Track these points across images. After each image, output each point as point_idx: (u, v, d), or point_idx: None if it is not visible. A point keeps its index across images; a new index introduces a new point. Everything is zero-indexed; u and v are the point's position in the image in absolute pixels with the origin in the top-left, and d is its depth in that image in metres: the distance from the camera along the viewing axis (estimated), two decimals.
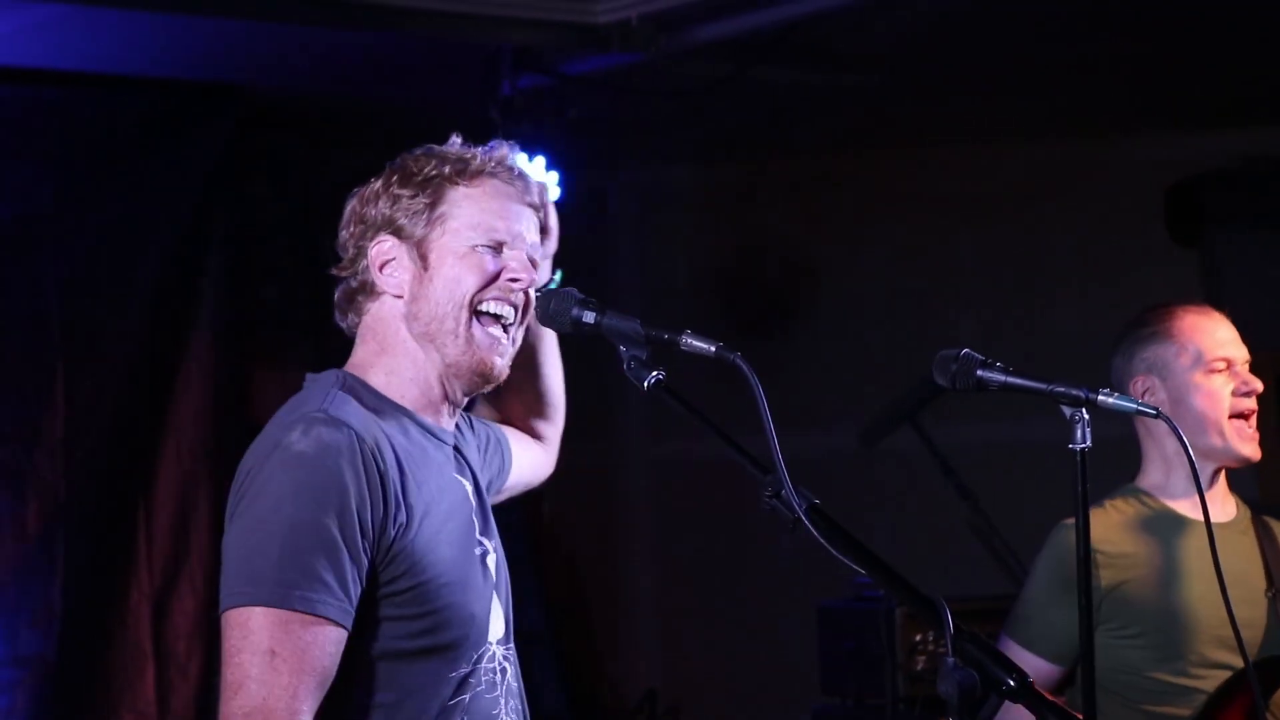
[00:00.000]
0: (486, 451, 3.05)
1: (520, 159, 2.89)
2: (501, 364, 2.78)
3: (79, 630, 6.14)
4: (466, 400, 2.84)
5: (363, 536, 2.58)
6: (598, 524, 8.00)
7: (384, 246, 2.76)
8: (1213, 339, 3.93)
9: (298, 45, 6.09)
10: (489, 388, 2.81)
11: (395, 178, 2.79)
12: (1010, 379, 2.84)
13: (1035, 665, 3.83)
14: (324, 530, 2.55)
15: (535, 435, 3.24)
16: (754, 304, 8.18)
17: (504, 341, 2.78)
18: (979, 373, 2.84)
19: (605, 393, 7.82)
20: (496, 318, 2.77)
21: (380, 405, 2.73)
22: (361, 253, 2.78)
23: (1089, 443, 2.85)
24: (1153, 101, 7.37)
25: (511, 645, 2.82)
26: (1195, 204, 7.81)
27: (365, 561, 2.59)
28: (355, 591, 2.58)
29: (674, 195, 8.21)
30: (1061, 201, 7.95)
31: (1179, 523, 3.91)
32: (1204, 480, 3.90)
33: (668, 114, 7.12)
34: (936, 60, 6.69)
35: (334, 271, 2.84)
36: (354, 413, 2.65)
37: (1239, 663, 3.75)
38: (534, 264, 2.83)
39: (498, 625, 2.78)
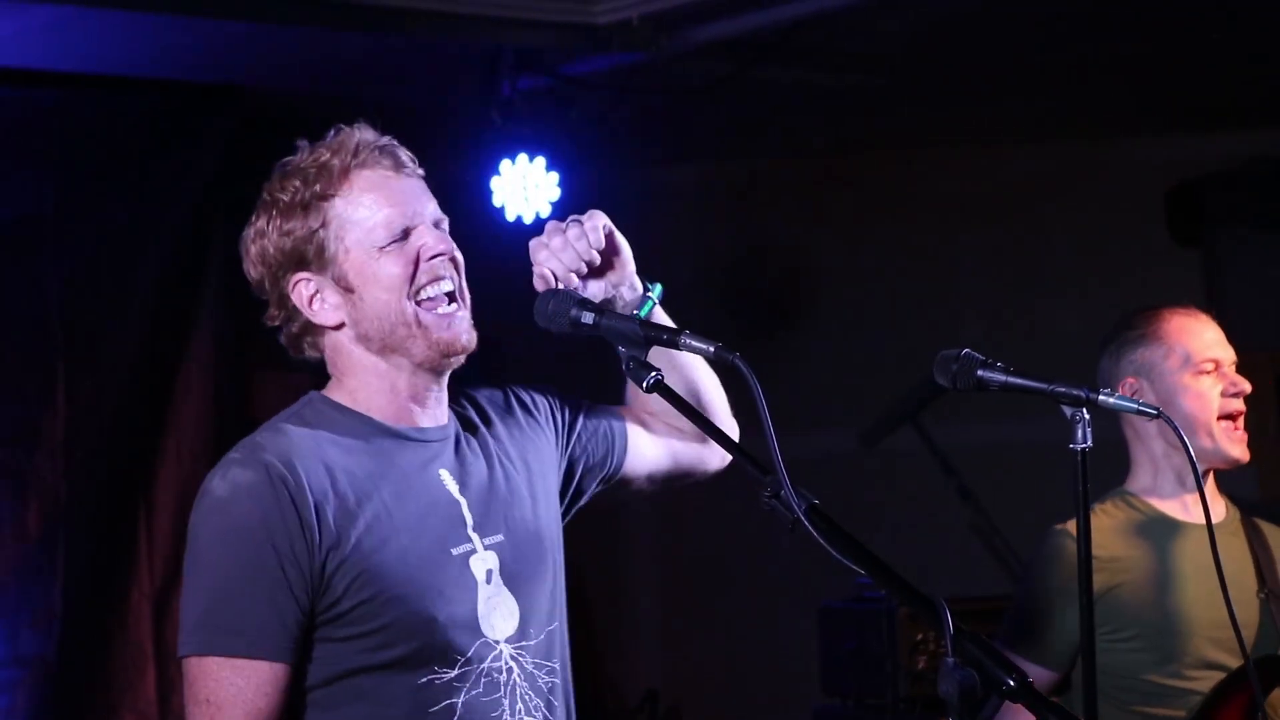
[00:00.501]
0: (580, 437, 3.01)
1: (368, 134, 2.80)
2: (466, 335, 2.75)
3: (79, 631, 6.14)
4: (444, 381, 2.81)
5: (288, 566, 2.59)
6: (598, 524, 7.99)
7: (302, 286, 2.75)
8: (1200, 340, 3.93)
9: (298, 47, 6.08)
10: (461, 360, 2.78)
11: (274, 212, 2.74)
12: (1011, 379, 2.84)
13: (1031, 672, 3.82)
14: (244, 570, 2.58)
15: (688, 434, 3.12)
16: (754, 305, 8.18)
17: (457, 313, 2.76)
18: (979, 372, 2.85)
19: (605, 393, 7.82)
20: (439, 297, 2.75)
21: (340, 419, 2.74)
22: (284, 297, 2.77)
23: (1090, 442, 2.85)
24: (1154, 103, 7.37)
25: (531, 642, 2.76)
26: (1196, 205, 7.81)
27: (298, 590, 2.60)
28: (291, 621, 2.60)
29: (674, 196, 8.20)
30: (1062, 202, 7.95)
31: (1169, 525, 3.91)
32: (1193, 480, 3.89)
33: (668, 114, 7.12)
34: (938, 61, 6.69)
35: (266, 321, 2.82)
36: (281, 442, 2.66)
37: (1233, 663, 3.75)
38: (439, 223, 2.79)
39: (504, 624, 2.73)
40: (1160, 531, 3.89)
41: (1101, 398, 2.83)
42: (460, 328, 2.75)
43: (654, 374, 2.68)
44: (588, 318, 2.71)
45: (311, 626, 2.62)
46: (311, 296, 2.75)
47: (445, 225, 2.79)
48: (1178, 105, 7.38)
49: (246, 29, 5.80)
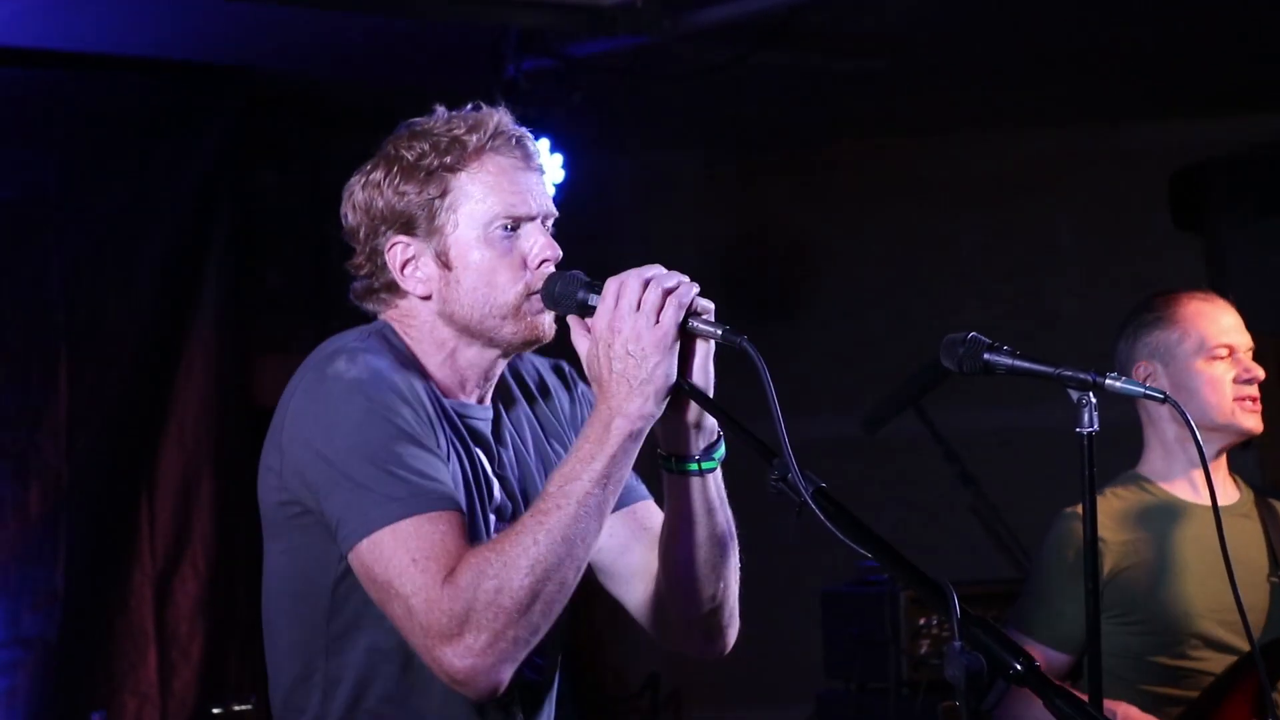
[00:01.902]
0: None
1: (507, 119, 2.79)
2: (550, 328, 2.75)
3: (81, 613, 6.14)
4: (503, 365, 2.80)
5: (436, 433, 2.63)
6: None
7: (400, 248, 2.73)
8: (1216, 325, 3.93)
9: (303, 28, 6.07)
10: (529, 350, 2.79)
11: (396, 169, 2.73)
12: (1017, 362, 2.82)
13: (1044, 655, 3.84)
14: (404, 438, 2.58)
15: (661, 608, 2.90)
16: (756, 289, 8.17)
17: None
18: (986, 356, 2.83)
19: None
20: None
21: (411, 369, 2.72)
22: (376, 252, 2.75)
23: (1096, 427, 2.84)
24: (1157, 88, 7.36)
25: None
26: (1199, 190, 7.80)
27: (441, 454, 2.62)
28: (449, 477, 2.61)
29: (678, 179, 8.20)
30: (1065, 187, 7.94)
31: (1179, 508, 3.92)
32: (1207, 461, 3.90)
33: (672, 97, 7.11)
34: (942, 45, 6.68)
35: (348, 267, 2.80)
36: (386, 353, 2.68)
37: (1241, 644, 3.76)
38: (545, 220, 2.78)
39: None
40: (1170, 515, 3.90)
41: (1108, 382, 2.81)
42: (549, 315, 2.75)
43: None
44: (595, 299, 2.70)
45: None
46: (406, 262, 2.74)
47: (552, 222, 2.78)
48: (1181, 90, 7.37)
49: (251, 10, 5.79)
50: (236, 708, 5.69)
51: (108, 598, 6.24)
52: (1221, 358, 3.90)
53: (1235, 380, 3.89)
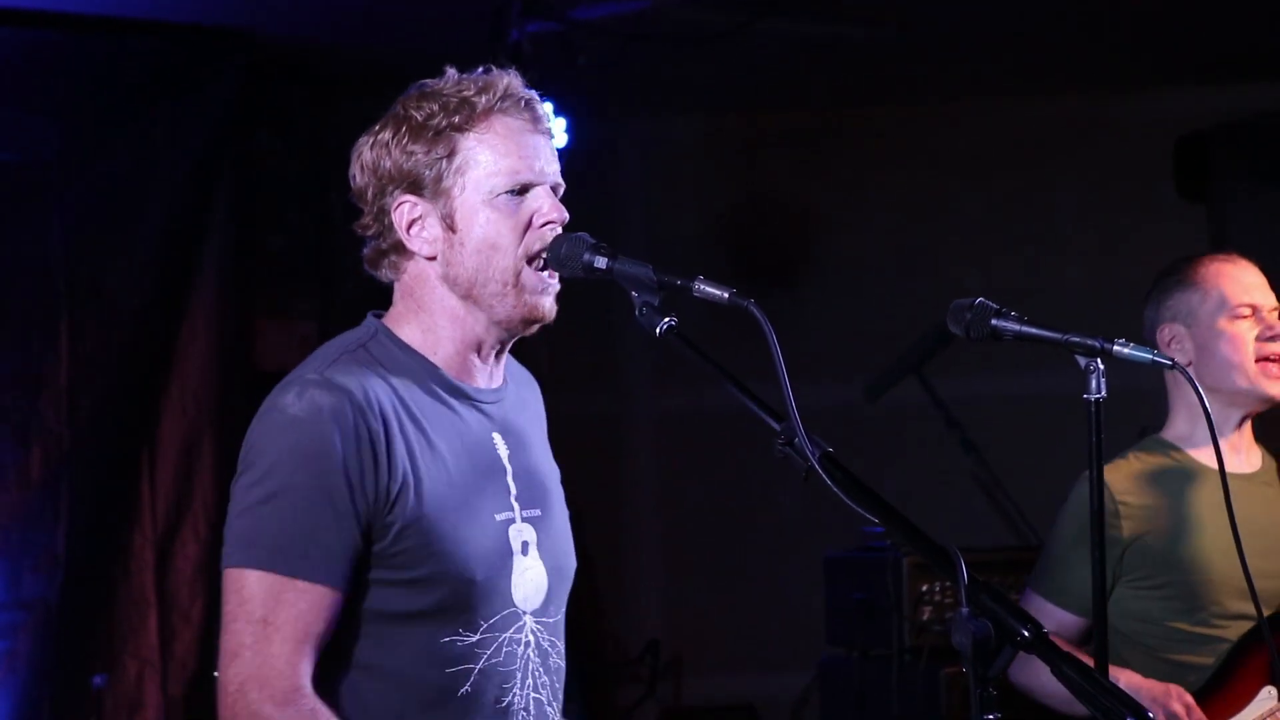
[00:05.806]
0: None
1: (516, 82, 2.78)
2: (551, 307, 2.74)
3: (82, 576, 6.14)
4: (505, 346, 2.80)
5: (355, 497, 2.58)
6: (602, 475, 8.00)
7: (407, 207, 2.72)
8: (1238, 284, 3.93)
9: None
10: (535, 329, 2.77)
11: (404, 129, 2.71)
12: (1025, 328, 2.81)
13: (1060, 618, 3.85)
14: (316, 493, 2.56)
15: None
16: (759, 256, 8.16)
17: (551, 281, 2.74)
18: (994, 321, 2.82)
19: (611, 344, 7.81)
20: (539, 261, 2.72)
21: (405, 361, 2.71)
22: (383, 211, 2.74)
23: (1104, 393, 2.83)
24: (1161, 55, 7.34)
25: (550, 620, 2.76)
26: (1203, 158, 7.78)
27: (359, 522, 2.59)
28: (350, 553, 2.59)
29: (681, 145, 8.17)
30: (1069, 156, 7.92)
31: (1203, 474, 3.91)
32: (1229, 428, 3.92)
33: (676, 63, 7.08)
34: (945, 14, 6.65)
35: (356, 228, 2.79)
36: (356, 374, 2.64)
37: (1263, 611, 3.76)
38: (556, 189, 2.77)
39: (532, 596, 2.73)
40: (1193, 480, 3.90)
41: (1116, 347, 2.81)
42: (549, 298, 2.74)
43: (668, 320, 2.64)
44: (600, 262, 2.69)
45: (363, 561, 2.62)
46: (412, 221, 2.72)
47: (561, 190, 2.77)
48: (1186, 59, 7.35)
49: None
50: None
51: (109, 561, 6.24)
52: (1244, 316, 3.90)
53: (1258, 339, 3.89)
